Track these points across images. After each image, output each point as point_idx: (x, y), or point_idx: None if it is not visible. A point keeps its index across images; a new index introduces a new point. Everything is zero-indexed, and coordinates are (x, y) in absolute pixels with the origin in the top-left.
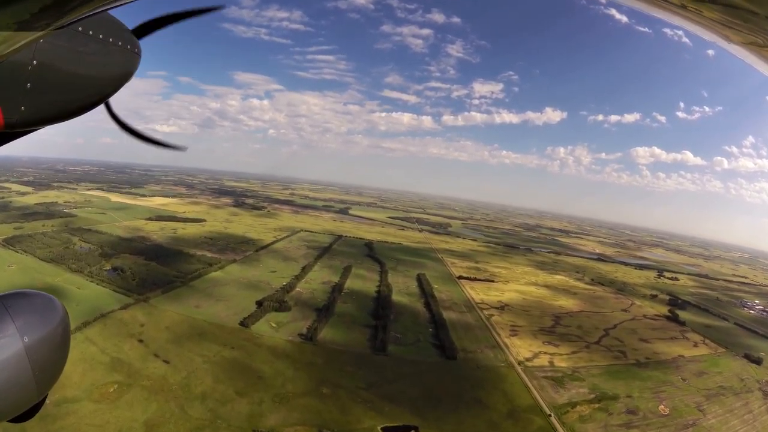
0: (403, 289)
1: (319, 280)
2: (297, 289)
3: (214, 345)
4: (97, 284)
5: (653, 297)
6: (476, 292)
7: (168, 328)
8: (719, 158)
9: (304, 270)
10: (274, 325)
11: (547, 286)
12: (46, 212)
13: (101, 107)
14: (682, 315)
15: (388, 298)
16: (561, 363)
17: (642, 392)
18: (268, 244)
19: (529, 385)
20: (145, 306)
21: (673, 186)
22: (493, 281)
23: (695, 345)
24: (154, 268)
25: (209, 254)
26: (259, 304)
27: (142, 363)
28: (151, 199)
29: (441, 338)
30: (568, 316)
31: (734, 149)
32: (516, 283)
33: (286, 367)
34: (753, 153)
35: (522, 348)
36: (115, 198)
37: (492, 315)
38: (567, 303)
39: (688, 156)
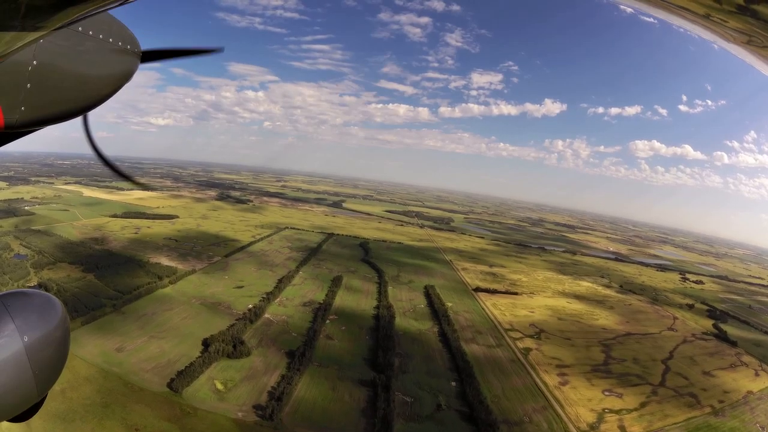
0: (408, 308)
1: (298, 299)
2: (266, 315)
3: None
4: None
5: (690, 307)
6: (500, 311)
7: (63, 392)
8: (719, 153)
9: (281, 283)
10: (220, 386)
11: (577, 297)
12: (6, 210)
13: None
14: (728, 331)
15: (389, 328)
16: (635, 427)
17: None
18: (244, 246)
19: None
20: None
21: (671, 180)
22: (516, 293)
23: (756, 374)
24: (88, 284)
25: (166, 262)
26: (206, 345)
27: None
28: (129, 193)
29: (470, 399)
30: (617, 343)
31: (735, 144)
32: (543, 295)
33: None
34: (754, 148)
35: (580, 405)
36: (89, 192)
37: (529, 349)
38: (608, 321)
39: (688, 150)
